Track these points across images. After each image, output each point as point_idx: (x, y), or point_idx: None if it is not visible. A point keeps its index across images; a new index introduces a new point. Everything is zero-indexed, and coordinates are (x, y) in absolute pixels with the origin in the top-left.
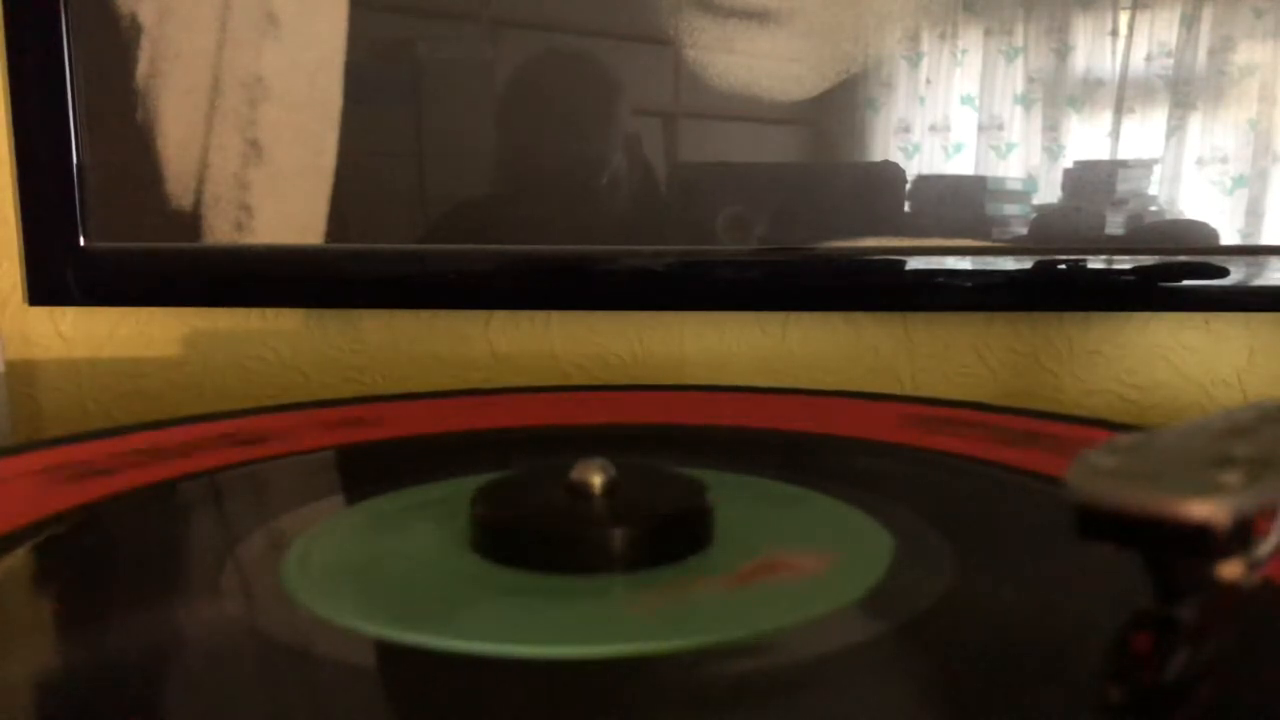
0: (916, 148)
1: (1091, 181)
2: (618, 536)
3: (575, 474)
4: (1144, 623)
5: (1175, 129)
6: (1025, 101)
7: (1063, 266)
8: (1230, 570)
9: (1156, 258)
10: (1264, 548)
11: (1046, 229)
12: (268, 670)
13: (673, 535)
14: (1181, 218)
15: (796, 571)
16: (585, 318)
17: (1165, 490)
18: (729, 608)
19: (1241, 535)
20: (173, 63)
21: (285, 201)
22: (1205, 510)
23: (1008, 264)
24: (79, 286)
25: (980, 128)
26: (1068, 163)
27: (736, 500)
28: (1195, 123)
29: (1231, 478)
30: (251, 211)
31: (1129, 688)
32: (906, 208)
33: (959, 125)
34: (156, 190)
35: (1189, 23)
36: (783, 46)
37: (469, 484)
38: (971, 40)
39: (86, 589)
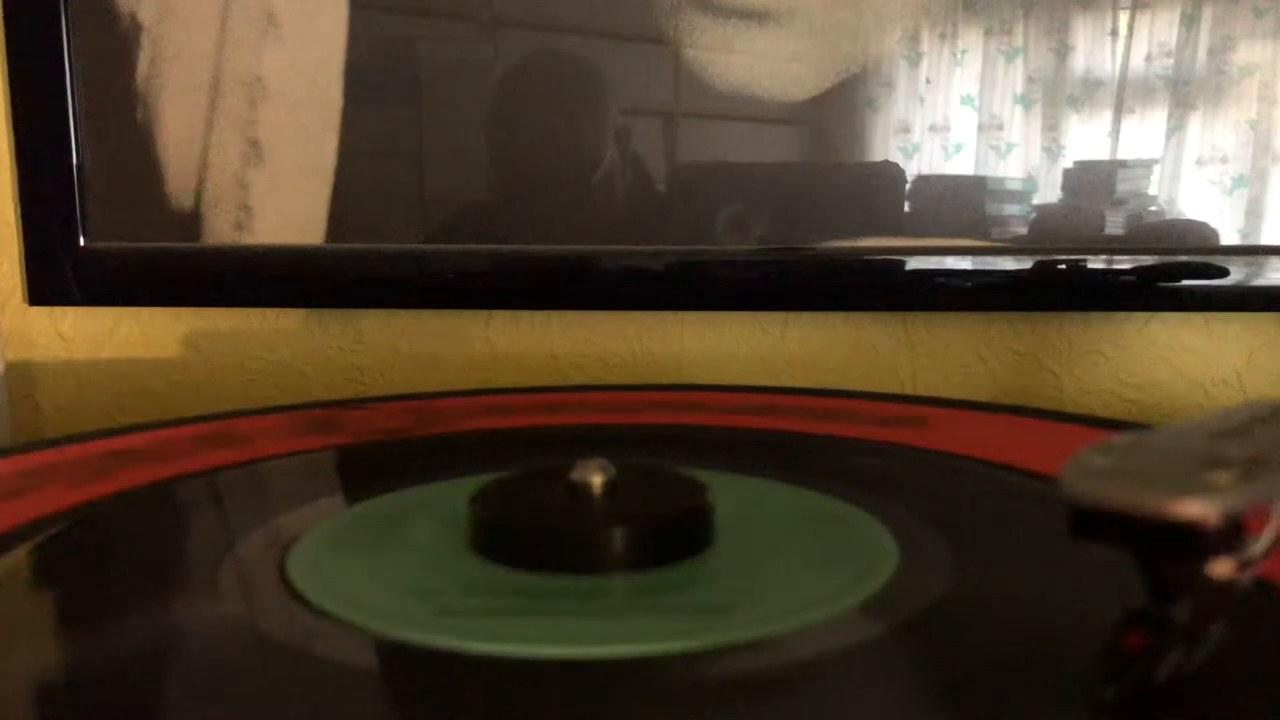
0: (916, 148)
1: (1091, 181)
2: (618, 537)
3: (575, 474)
4: (1136, 622)
5: (1175, 129)
6: (1025, 101)
7: (1062, 266)
8: (1222, 569)
9: (1156, 258)
10: (1257, 547)
11: (1046, 229)
12: (268, 670)
13: (673, 535)
14: (1181, 218)
15: None
16: (585, 318)
17: (1157, 489)
18: (729, 608)
19: (1234, 534)
20: (173, 63)
21: (285, 201)
22: (1196, 509)
23: (1008, 264)
24: (79, 286)
25: (980, 128)
26: (1067, 163)
27: (736, 500)
28: (1195, 123)
29: (1223, 477)
30: (251, 211)
31: (1122, 687)
32: (906, 208)
33: (959, 125)
34: (156, 190)
35: (1189, 23)
36: (783, 46)
37: (469, 484)
38: (971, 40)
39: (86, 589)
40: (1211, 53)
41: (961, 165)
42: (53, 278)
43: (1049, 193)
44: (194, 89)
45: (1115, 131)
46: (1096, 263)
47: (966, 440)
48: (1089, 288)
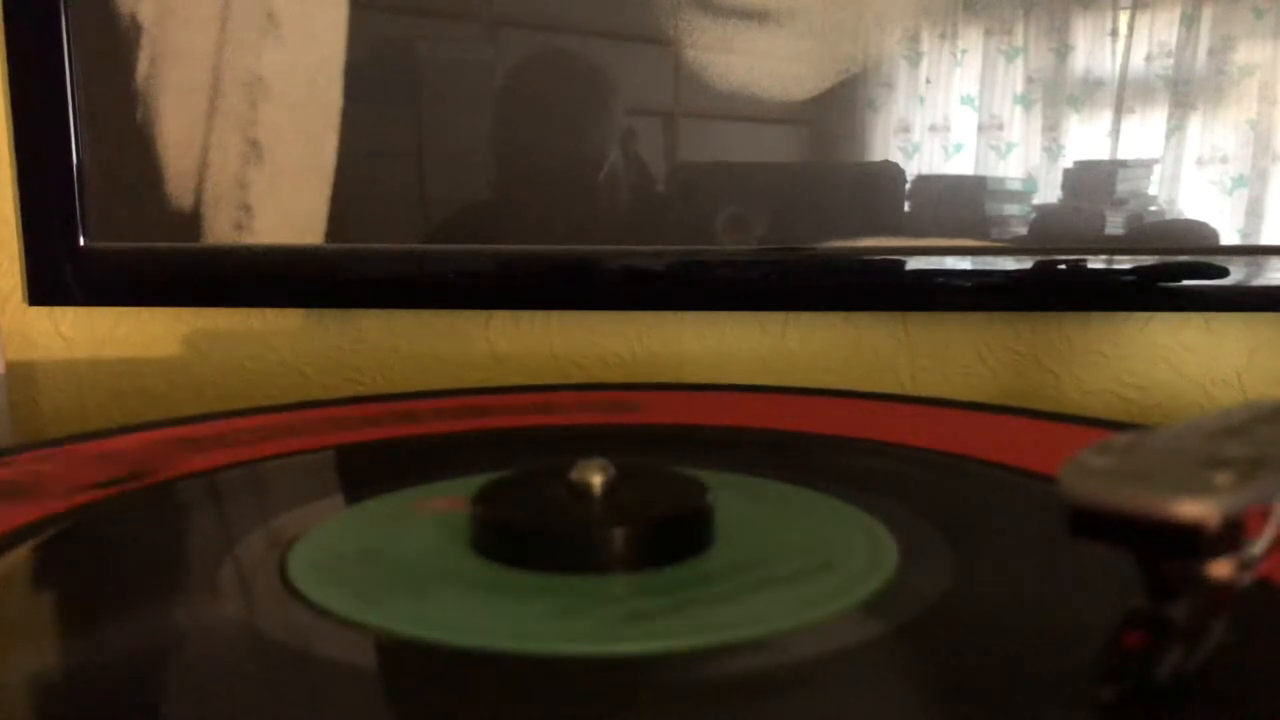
0: (916, 148)
1: (1091, 181)
2: (618, 537)
3: (575, 474)
4: (1136, 622)
5: (1175, 129)
6: (1025, 101)
7: (1063, 266)
8: (1222, 569)
9: (1156, 258)
10: (1257, 547)
11: (1046, 229)
12: (268, 670)
13: (673, 535)
14: (1181, 218)
15: None
16: (585, 318)
17: (1157, 490)
18: (729, 608)
19: (1234, 535)
20: (173, 63)
21: (285, 201)
22: (1196, 509)
23: (1008, 264)
24: (79, 286)
25: (980, 128)
26: (1068, 163)
27: (736, 500)
28: (1195, 123)
29: (1223, 477)
30: (251, 211)
31: (1121, 687)
32: (906, 208)
33: (959, 125)
34: (156, 190)
35: (1189, 23)
36: (783, 46)
37: (469, 484)
38: (971, 40)
39: (86, 589)
40: (1211, 53)
41: (961, 165)
42: (53, 278)
43: (1049, 193)
44: (194, 89)
45: (1115, 131)
46: (1096, 263)
47: (964, 440)
48: (1089, 288)
